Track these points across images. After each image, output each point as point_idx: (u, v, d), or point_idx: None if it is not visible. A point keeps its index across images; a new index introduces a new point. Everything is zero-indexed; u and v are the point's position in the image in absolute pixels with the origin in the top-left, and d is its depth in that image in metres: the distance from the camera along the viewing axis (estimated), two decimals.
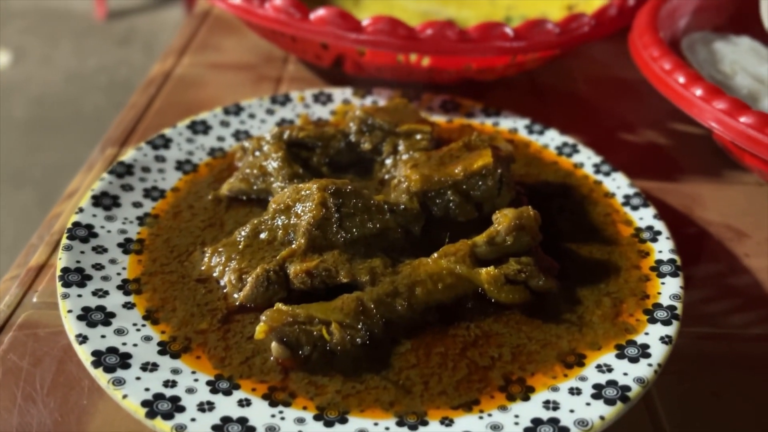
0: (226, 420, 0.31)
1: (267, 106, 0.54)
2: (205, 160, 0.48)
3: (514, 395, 0.33)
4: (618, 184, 0.47)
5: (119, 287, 0.38)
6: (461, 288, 0.38)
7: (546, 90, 0.65)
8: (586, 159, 0.49)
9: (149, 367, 0.33)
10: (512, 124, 0.53)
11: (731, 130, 0.45)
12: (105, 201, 0.43)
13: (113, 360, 0.33)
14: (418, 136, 0.47)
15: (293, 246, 0.38)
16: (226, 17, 0.75)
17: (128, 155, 0.46)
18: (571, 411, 0.32)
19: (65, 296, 0.36)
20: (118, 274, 0.38)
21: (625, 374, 0.34)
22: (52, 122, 2.00)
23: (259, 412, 0.31)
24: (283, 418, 0.31)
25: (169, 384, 0.32)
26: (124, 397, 0.31)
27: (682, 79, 0.49)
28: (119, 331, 0.35)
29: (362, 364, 0.34)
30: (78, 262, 0.38)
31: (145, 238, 0.41)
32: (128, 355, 0.33)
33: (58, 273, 0.37)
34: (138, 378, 0.32)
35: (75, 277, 0.37)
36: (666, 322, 0.36)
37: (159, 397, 0.31)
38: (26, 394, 0.35)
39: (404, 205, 0.42)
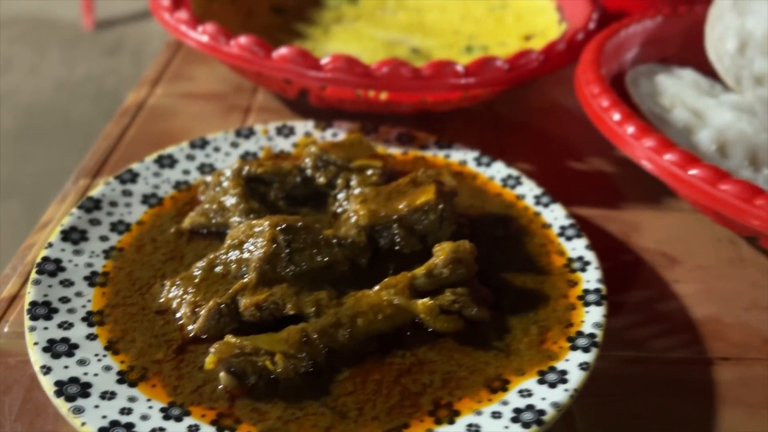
0: None
1: (231, 139, 0.57)
2: (170, 193, 0.51)
3: (441, 419, 0.37)
4: (556, 215, 0.50)
5: (83, 319, 0.41)
6: (400, 318, 0.41)
7: (501, 119, 0.69)
8: (528, 191, 0.53)
9: (107, 395, 0.36)
10: (462, 156, 0.57)
11: (658, 168, 0.48)
12: (73, 236, 0.46)
13: (74, 390, 0.36)
14: (369, 172, 0.51)
15: (245, 280, 0.42)
16: None
17: (97, 190, 0.49)
18: None
19: (32, 329, 0.39)
20: (83, 306, 0.42)
21: (543, 399, 0.37)
22: (40, 131, 2.03)
23: None
24: None
25: (125, 411, 0.35)
26: (83, 424, 0.34)
27: (616, 117, 0.52)
28: (81, 362, 0.38)
29: (304, 391, 0.37)
30: (45, 295, 0.41)
31: (110, 271, 0.44)
32: (89, 385, 0.36)
33: (26, 306, 0.40)
34: (96, 406, 0.35)
35: (42, 311, 0.40)
36: (586, 350, 0.40)
37: (115, 424, 0.34)
38: None
39: (352, 238, 0.45)
